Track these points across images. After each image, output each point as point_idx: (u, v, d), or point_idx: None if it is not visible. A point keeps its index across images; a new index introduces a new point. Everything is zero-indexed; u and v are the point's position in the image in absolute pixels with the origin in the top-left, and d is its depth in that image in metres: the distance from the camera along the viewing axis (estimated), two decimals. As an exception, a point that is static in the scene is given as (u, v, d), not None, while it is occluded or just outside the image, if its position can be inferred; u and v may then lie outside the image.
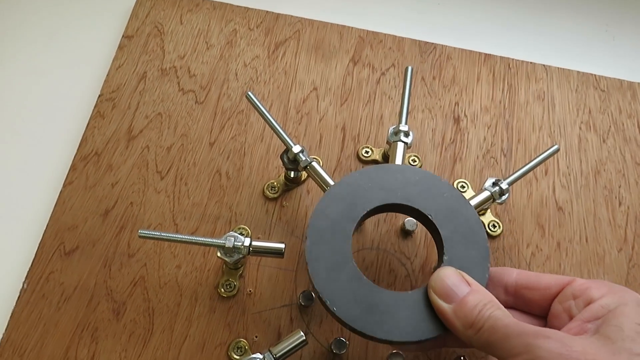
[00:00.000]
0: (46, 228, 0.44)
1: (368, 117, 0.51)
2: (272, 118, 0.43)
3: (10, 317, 0.41)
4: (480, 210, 0.47)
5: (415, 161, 0.49)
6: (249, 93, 0.44)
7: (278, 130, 0.43)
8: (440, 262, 0.37)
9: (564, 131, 0.53)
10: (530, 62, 0.56)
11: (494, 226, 0.47)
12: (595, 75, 0.56)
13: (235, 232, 0.45)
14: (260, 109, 0.43)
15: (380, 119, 0.51)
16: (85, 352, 0.40)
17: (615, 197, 0.50)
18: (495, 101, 0.53)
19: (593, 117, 0.54)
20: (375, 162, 0.49)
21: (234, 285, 0.43)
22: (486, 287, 0.36)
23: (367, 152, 0.49)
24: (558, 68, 0.56)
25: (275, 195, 0.47)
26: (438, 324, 0.35)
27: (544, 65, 0.56)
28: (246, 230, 0.45)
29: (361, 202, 0.39)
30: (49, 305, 0.41)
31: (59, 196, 0.45)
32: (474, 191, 0.48)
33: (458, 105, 0.53)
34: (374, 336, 0.34)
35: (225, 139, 0.49)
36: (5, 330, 0.40)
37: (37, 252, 0.43)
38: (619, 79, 0.56)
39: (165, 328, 0.41)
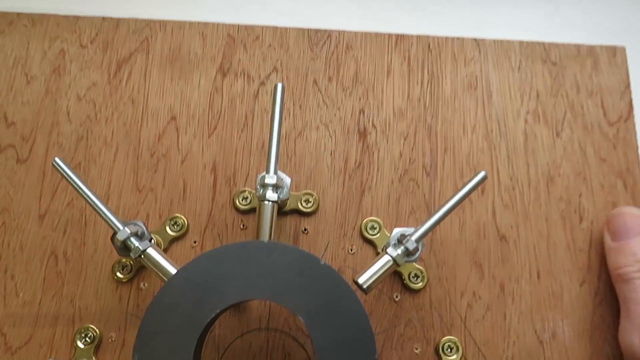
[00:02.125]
0: None
1: (246, 148, 0.39)
2: (91, 191, 0.32)
3: None
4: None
5: (309, 201, 0.38)
6: (56, 160, 0.32)
7: (99, 208, 0.32)
8: None
9: (504, 128, 0.40)
10: (458, 38, 0.43)
11: (416, 277, 0.36)
12: (544, 43, 0.42)
13: (79, 335, 0.35)
14: (74, 181, 0.32)
15: (261, 147, 0.39)
16: None
17: (575, 211, 0.39)
18: (412, 100, 0.41)
19: (543, 103, 0.41)
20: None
21: (81, 409, 0.33)
22: None
23: (245, 198, 0.38)
24: (494, 40, 0.42)
25: (130, 276, 0.36)
26: None
27: (475, 39, 0.42)
28: (94, 330, 0.35)
29: (210, 299, 0.29)
30: None
31: None
32: (388, 232, 0.37)
33: (364, 112, 0.40)
34: None
35: (59, 207, 0.38)
36: None
37: None
38: (575, 44, 0.42)
39: None
